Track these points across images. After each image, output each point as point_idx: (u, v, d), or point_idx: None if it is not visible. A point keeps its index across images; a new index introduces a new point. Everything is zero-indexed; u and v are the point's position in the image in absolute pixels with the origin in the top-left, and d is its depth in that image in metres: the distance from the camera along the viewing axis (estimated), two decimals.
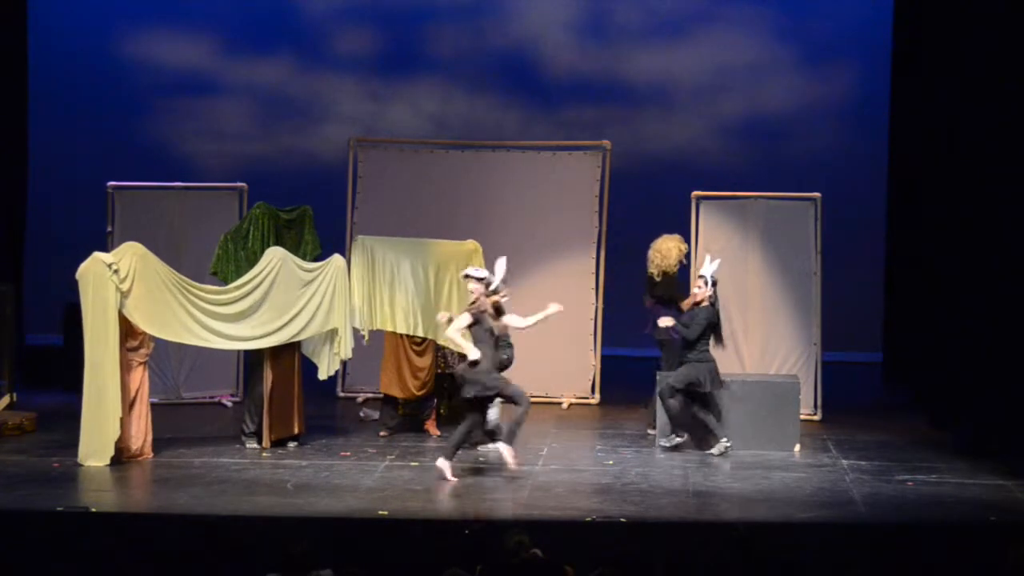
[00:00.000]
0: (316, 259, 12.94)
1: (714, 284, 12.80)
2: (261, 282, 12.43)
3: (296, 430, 12.80)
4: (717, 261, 12.90)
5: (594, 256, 15.24)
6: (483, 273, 11.78)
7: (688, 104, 17.97)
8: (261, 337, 12.47)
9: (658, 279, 13.44)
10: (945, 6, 14.48)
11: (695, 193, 14.56)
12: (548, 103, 17.91)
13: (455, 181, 15.50)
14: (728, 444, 12.55)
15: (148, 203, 14.79)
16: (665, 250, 13.47)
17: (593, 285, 15.20)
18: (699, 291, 12.79)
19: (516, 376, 14.87)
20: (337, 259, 12.80)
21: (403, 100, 18.06)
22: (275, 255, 12.52)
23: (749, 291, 14.35)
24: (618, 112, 17.71)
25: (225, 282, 12.62)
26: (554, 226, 15.27)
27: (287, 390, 12.75)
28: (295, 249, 12.96)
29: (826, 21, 17.70)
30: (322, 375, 13.02)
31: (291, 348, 12.75)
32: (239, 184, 14.97)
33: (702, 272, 12.82)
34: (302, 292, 12.56)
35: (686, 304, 12.96)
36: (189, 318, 12.21)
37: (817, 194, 14.45)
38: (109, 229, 14.46)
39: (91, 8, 17.82)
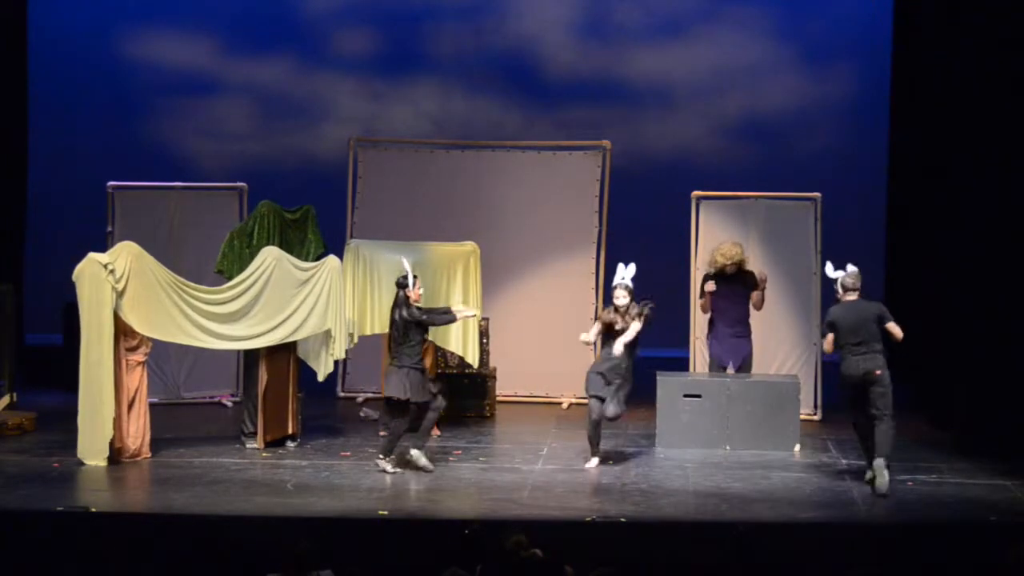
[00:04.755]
0: (319, 259, 12.94)
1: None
2: (255, 282, 12.41)
3: (291, 430, 12.79)
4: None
5: (594, 256, 15.22)
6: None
7: (688, 104, 17.95)
8: (255, 337, 12.45)
9: (732, 271, 13.54)
10: (945, 6, 14.49)
11: (695, 193, 14.56)
12: (548, 103, 17.89)
13: (455, 181, 15.49)
14: (394, 472, 11.72)
15: (148, 203, 14.81)
16: (726, 249, 13.55)
17: (593, 285, 15.19)
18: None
19: (516, 376, 14.97)
20: (332, 260, 12.78)
21: (403, 100, 18.04)
22: (270, 254, 12.50)
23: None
24: (618, 112, 17.70)
25: (229, 280, 12.61)
26: (554, 226, 15.26)
27: (282, 390, 12.74)
28: (299, 248, 12.96)
29: (826, 21, 17.69)
30: (321, 376, 13.01)
31: (286, 348, 12.74)
32: (239, 184, 14.98)
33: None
34: (297, 292, 12.53)
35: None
36: (183, 318, 12.20)
37: (817, 194, 14.45)
38: (109, 229, 14.47)
39: (91, 8, 17.81)
